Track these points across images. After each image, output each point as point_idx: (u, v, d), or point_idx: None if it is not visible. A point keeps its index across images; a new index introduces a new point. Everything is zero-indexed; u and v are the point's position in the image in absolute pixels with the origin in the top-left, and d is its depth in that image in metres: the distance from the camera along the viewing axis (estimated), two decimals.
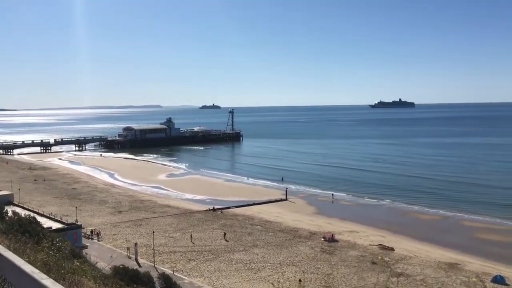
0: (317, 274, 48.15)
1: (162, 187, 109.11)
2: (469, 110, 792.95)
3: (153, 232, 59.96)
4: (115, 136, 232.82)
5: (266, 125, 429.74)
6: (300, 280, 41.52)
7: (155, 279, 34.81)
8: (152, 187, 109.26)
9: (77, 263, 11.49)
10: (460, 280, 45.94)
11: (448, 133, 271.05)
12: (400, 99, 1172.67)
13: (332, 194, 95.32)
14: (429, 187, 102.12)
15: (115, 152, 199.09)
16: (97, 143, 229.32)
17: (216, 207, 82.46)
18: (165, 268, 49.25)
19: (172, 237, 62.70)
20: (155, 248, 54.21)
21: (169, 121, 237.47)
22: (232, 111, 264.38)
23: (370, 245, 59.48)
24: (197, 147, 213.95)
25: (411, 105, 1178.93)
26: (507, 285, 44.33)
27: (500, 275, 45.54)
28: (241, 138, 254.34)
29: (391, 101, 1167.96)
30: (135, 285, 24.16)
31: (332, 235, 62.16)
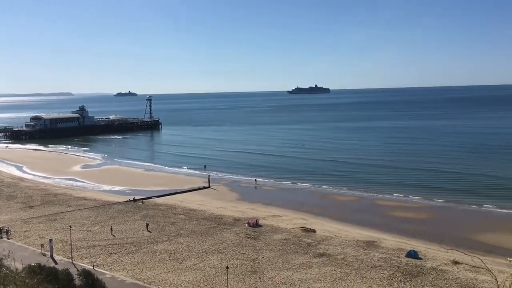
0: (243, 259, 48.24)
1: (77, 179, 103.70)
2: (383, 95, 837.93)
3: (70, 226, 56.65)
4: (22, 126, 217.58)
5: (186, 113, 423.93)
6: (227, 267, 41.32)
7: (74, 276, 32.83)
8: (66, 179, 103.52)
9: None
10: (378, 256, 48.30)
11: (361, 117, 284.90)
12: (316, 85, 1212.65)
13: (255, 180, 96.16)
14: (345, 170, 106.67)
15: (22, 143, 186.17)
16: (1, 134, 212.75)
17: (136, 197, 79.84)
18: (84, 263, 46.75)
19: (90, 230, 59.70)
20: (72, 244, 51.23)
21: (82, 109, 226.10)
22: (150, 98, 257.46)
23: (293, 228, 60.73)
24: (114, 136, 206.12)
25: (326, 90, 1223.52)
26: (420, 259, 47.29)
27: (413, 250, 48.47)
28: (160, 126, 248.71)
29: (307, 87, 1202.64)
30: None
31: (256, 220, 62.65)
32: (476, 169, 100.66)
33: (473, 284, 41.03)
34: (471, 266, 45.06)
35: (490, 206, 71.84)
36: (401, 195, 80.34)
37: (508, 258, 47.86)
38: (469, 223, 63.60)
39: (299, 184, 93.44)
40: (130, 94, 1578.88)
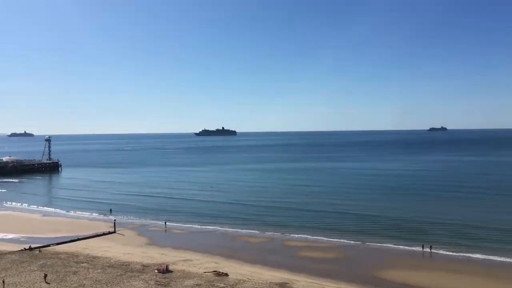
0: None
1: None
2: (290, 138, 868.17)
3: None
4: None
5: (88, 154, 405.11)
6: None
7: None
8: None
9: None
10: None
11: (267, 159, 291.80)
12: (223, 127, 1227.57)
13: (165, 223, 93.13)
14: (254, 212, 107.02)
15: None
16: None
17: (32, 245, 73.23)
18: None
19: None
20: None
21: None
22: (49, 139, 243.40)
23: (205, 272, 59.12)
24: (8, 180, 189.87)
25: (233, 133, 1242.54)
26: None
27: None
28: (60, 168, 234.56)
29: (214, 129, 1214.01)
30: None
31: (166, 266, 60.15)
32: (377, 210, 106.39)
33: None
34: None
35: (394, 243, 75.98)
36: (309, 236, 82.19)
37: None
38: (374, 260, 66.36)
39: (209, 226, 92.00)
40: (26, 134, 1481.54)
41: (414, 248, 73.02)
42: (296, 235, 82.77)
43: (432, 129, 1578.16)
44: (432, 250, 71.32)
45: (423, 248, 72.08)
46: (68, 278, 55.83)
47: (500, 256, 67.71)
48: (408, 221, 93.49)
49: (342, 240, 78.43)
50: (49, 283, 53.67)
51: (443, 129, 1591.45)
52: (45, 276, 55.64)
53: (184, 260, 65.92)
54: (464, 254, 69.16)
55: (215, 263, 65.09)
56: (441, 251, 70.97)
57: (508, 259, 66.35)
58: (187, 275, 57.94)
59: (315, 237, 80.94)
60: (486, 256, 68.01)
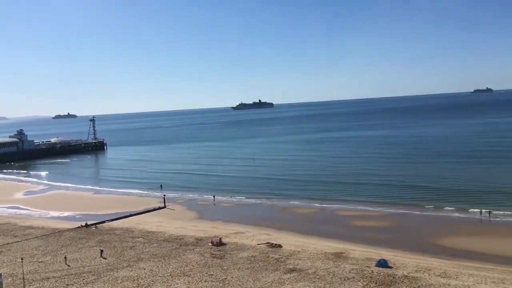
0: (212, 281, 45.95)
1: (20, 206, 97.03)
2: (325, 108, 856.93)
3: (22, 259, 52.07)
4: None
5: (131, 132, 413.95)
6: None
7: None
8: (8, 207, 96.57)
9: None
10: (349, 268, 47.60)
11: (306, 130, 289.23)
12: (260, 100, 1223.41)
13: (214, 196, 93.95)
14: (297, 184, 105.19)
15: None
16: None
17: (89, 222, 75.37)
18: None
19: (42, 261, 55.14)
20: (24, 277, 46.93)
21: (20, 133, 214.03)
22: (93, 119, 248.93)
23: (258, 244, 59.10)
24: (57, 160, 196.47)
25: (270, 105, 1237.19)
26: (390, 267, 47.01)
27: (383, 259, 48.13)
28: (105, 147, 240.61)
29: (251, 102, 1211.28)
30: None
31: (220, 239, 60.49)
32: (426, 177, 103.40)
33: None
34: (441, 271, 45.44)
35: (450, 209, 73.68)
36: (360, 205, 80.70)
37: None
38: (431, 228, 64.56)
39: (256, 200, 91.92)
40: (69, 116, 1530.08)
41: (470, 214, 70.53)
42: (346, 205, 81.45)
43: (476, 91, 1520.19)
44: (490, 215, 68.64)
45: (481, 214, 69.49)
46: (125, 253, 57.06)
47: None
48: (462, 186, 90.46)
49: (394, 210, 76.51)
50: (105, 258, 55.00)
51: (488, 90, 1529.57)
52: (101, 251, 57.05)
53: (236, 233, 66.17)
54: None
55: (267, 234, 65.01)
56: (499, 216, 68.22)
57: None
58: (241, 247, 58.08)
59: (365, 207, 79.36)
60: None
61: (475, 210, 71.45)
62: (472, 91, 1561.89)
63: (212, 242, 59.76)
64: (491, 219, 67.52)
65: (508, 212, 69.20)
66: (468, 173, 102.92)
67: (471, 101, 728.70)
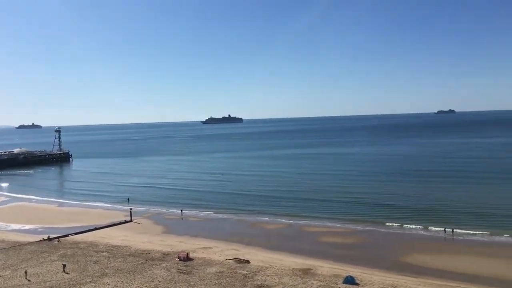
0: None
1: None
2: (298, 124, 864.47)
3: None
4: None
5: (97, 144, 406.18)
6: None
7: None
8: None
9: None
10: (317, 284, 47.72)
11: (275, 145, 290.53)
12: (229, 115, 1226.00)
13: (181, 211, 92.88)
14: (266, 200, 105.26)
15: None
16: None
17: (51, 236, 73.17)
18: None
19: (0, 276, 53.03)
20: None
21: None
22: (59, 130, 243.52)
23: (226, 259, 58.66)
24: (20, 171, 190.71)
25: (239, 120, 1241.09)
26: (357, 284, 47.40)
27: (351, 276, 48.50)
28: (70, 159, 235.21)
29: (221, 117, 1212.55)
30: None
31: (187, 254, 59.73)
32: (392, 195, 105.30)
33: None
34: None
35: (414, 227, 75.13)
36: (327, 222, 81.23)
37: None
38: (396, 245, 65.57)
39: (225, 214, 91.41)
40: (34, 126, 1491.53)
41: (434, 233, 72.06)
42: (313, 222, 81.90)
43: (440, 112, 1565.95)
44: (454, 233, 70.33)
45: (445, 232, 71.13)
46: (89, 268, 55.56)
47: None
48: (425, 204, 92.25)
49: (360, 227, 77.34)
50: (68, 273, 53.37)
51: (451, 111, 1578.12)
52: (64, 266, 55.34)
53: (204, 248, 65.52)
54: (485, 237, 68.20)
55: (235, 250, 64.66)
56: (462, 235, 69.95)
57: None
58: (208, 262, 57.49)
59: (332, 224, 80.00)
60: (508, 238, 67.01)
61: (439, 228, 73.05)
62: (436, 111, 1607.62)
63: (179, 257, 58.94)
64: (454, 237, 69.18)
65: (471, 232, 70.98)
66: (431, 192, 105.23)
67: (435, 121, 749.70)
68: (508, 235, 68.17)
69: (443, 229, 72.15)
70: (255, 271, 53.28)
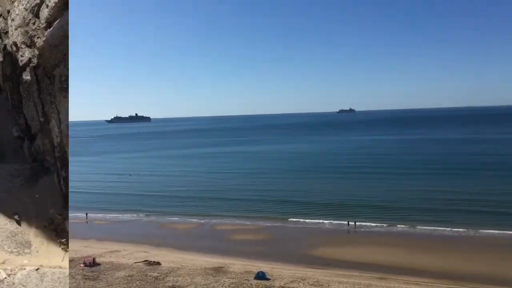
0: None
1: None
2: (204, 123, 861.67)
3: None
4: None
5: None
6: None
7: None
8: None
9: None
10: (229, 282, 48.04)
11: (185, 144, 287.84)
12: (136, 114, 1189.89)
13: (86, 214, 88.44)
14: (175, 200, 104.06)
15: None
16: None
17: None
18: None
19: None
20: None
21: None
22: None
23: (136, 262, 56.95)
24: None
25: (147, 119, 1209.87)
26: (268, 279, 48.45)
27: (261, 272, 49.43)
28: None
29: (127, 116, 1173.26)
30: None
31: (93, 258, 56.97)
32: (298, 191, 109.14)
33: None
34: (314, 280, 48.10)
35: (321, 221, 78.48)
36: (237, 219, 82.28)
37: None
38: (304, 239, 68.09)
39: (133, 216, 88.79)
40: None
41: (338, 226, 75.95)
42: (223, 220, 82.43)
43: (341, 111, 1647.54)
44: (356, 226, 74.64)
45: (348, 225, 75.23)
46: None
47: (420, 226, 72.60)
48: (329, 200, 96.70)
49: (269, 223, 79.22)
50: None
51: (351, 110, 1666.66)
52: None
53: (111, 252, 63.05)
54: (384, 228, 73.26)
55: (145, 252, 63.05)
56: (364, 227, 74.40)
57: (425, 228, 71.29)
58: (116, 266, 55.38)
59: (242, 221, 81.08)
60: (403, 228, 72.55)
61: (342, 222, 77.09)
62: (338, 111, 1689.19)
63: (84, 263, 56.05)
64: (356, 229, 73.48)
65: (372, 224, 75.75)
66: (334, 187, 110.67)
67: (337, 120, 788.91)
68: (403, 226, 73.70)
69: (347, 222, 76.27)
70: (166, 273, 52.34)
